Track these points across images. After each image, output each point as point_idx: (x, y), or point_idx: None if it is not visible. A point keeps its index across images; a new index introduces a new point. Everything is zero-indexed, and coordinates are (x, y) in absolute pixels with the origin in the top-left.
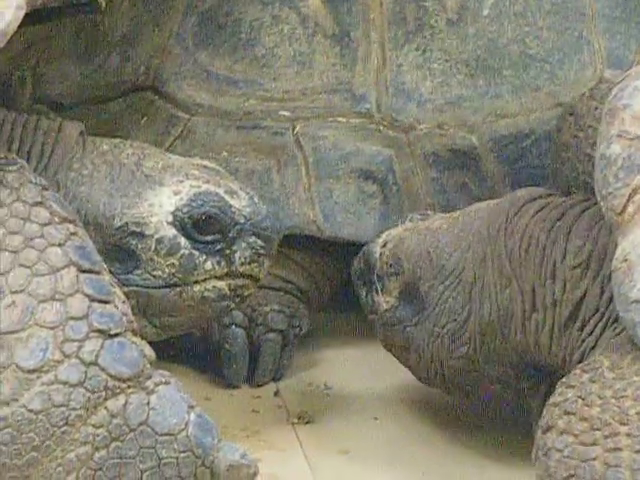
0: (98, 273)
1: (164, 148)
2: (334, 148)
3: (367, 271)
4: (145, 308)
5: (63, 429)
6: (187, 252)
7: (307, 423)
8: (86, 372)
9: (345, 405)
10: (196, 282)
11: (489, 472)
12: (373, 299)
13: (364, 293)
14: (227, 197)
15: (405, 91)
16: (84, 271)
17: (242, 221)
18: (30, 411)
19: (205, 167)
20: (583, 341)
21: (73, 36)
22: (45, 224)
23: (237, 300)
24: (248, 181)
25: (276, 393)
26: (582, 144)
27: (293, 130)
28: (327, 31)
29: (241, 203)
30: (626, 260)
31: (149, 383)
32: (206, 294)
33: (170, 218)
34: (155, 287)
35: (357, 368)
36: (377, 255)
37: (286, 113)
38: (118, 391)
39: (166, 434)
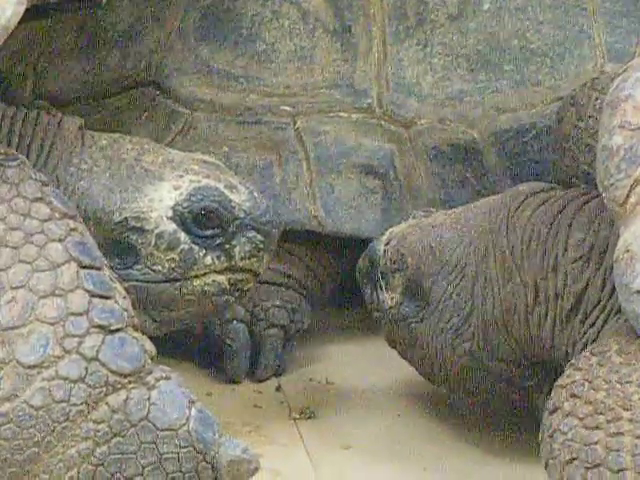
0: (98, 269)
1: (165, 143)
2: (335, 143)
3: (371, 269)
4: (145, 303)
5: (64, 425)
6: (187, 247)
7: (309, 418)
8: (87, 368)
9: (347, 400)
10: (196, 277)
11: (491, 467)
12: (378, 296)
13: (369, 291)
14: (227, 192)
15: (406, 86)
16: (84, 267)
17: (242, 216)
18: (31, 407)
19: (205, 162)
20: (585, 333)
21: (74, 32)
22: (45, 220)
23: (237, 294)
24: (249, 176)
25: (278, 388)
26: (582, 134)
27: (294, 125)
28: (328, 26)
29: (241, 198)
30: (628, 251)
31: (150, 378)
32: (206, 288)
33: (170, 213)
34: (155, 282)
35: (359, 363)
36: (381, 252)
37: (287, 108)
38: (119, 386)
39: (167, 429)
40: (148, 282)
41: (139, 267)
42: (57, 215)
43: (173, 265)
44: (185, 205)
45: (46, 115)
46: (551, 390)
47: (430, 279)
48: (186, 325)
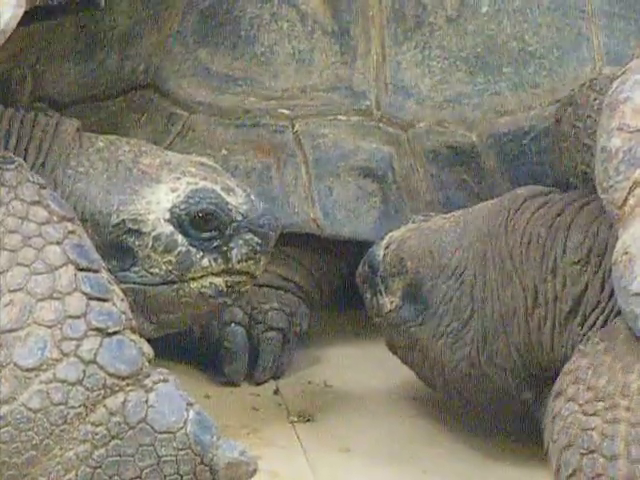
0: (96, 271)
1: (164, 146)
2: (334, 146)
3: (371, 273)
4: (142, 305)
5: (62, 427)
6: (184, 249)
7: (307, 421)
8: (85, 370)
9: (345, 403)
10: (193, 279)
11: (491, 470)
12: (377, 301)
13: (368, 295)
14: (224, 194)
15: (404, 88)
16: (82, 269)
17: (239, 218)
18: (29, 410)
19: (202, 164)
20: (584, 336)
21: (73, 34)
22: (43, 223)
23: (234, 296)
24: (247, 179)
25: (276, 391)
26: (581, 134)
27: (293, 128)
28: (326, 28)
29: (238, 200)
30: (627, 253)
31: (148, 381)
32: (203, 290)
33: (167, 215)
34: (152, 284)
35: (357, 366)
36: (380, 257)
37: (285, 111)
38: (117, 389)
39: (165, 432)
40: (145, 284)
41: (136, 269)
42: (55, 218)
43: (170, 267)
44: (182, 207)
45: (43, 117)
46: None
47: (429, 283)
48: (183, 327)
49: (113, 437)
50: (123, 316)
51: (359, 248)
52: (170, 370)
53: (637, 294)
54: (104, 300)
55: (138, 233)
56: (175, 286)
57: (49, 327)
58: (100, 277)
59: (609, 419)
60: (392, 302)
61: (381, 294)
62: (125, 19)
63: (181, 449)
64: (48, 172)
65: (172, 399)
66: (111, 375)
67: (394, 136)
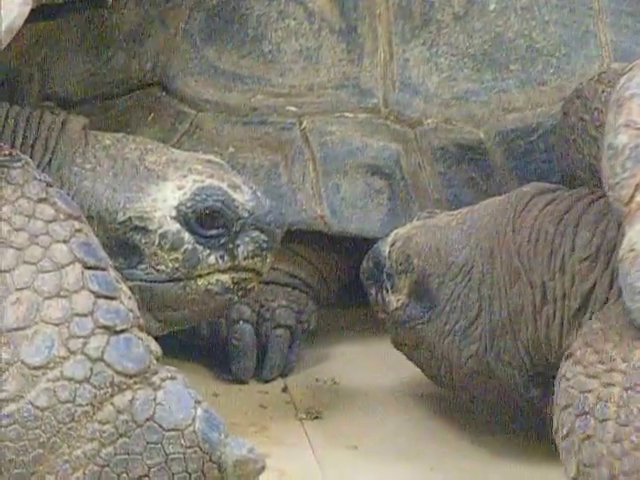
0: (103, 269)
1: (171, 144)
2: (341, 143)
3: (376, 270)
4: (149, 302)
5: (69, 425)
6: (190, 247)
7: (315, 418)
8: (92, 368)
9: (353, 400)
10: (199, 276)
11: (497, 467)
12: (383, 298)
13: (374, 292)
14: (230, 191)
15: (412, 86)
16: (89, 267)
17: (245, 215)
18: (36, 408)
19: (208, 161)
20: None
21: (80, 33)
22: (50, 221)
23: (240, 293)
24: (255, 177)
25: (284, 389)
26: (588, 126)
27: (300, 125)
28: (333, 26)
29: (244, 197)
30: (633, 250)
31: (155, 379)
32: (209, 287)
33: (174, 213)
34: (159, 281)
35: (365, 363)
36: (386, 254)
37: (293, 108)
38: (124, 387)
39: (173, 430)
40: (152, 282)
41: (143, 267)
42: (62, 216)
43: (177, 265)
44: (189, 205)
45: (50, 115)
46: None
47: (437, 281)
48: (190, 324)
49: (121, 435)
50: (130, 314)
51: (367, 245)
52: (178, 368)
53: None
54: (111, 298)
55: (144, 231)
56: (182, 283)
57: (56, 325)
58: (107, 275)
59: (605, 382)
60: (398, 300)
61: (387, 291)
62: (132, 17)
63: (189, 447)
64: (54, 170)
65: (180, 397)
66: (119, 373)
67: (402, 133)
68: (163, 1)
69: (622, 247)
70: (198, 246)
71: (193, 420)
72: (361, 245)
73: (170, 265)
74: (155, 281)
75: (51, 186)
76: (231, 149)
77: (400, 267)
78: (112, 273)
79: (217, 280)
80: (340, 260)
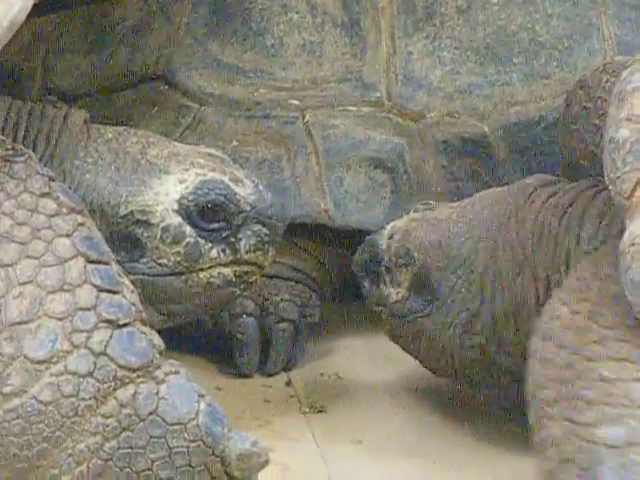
0: (106, 263)
1: (174, 138)
2: (344, 137)
3: (372, 263)
4: (151, 296)
5: (73, 420)
6: (192, 240)
7: (319, 412)
8: (95, 362)
9: (357, 394)
10: (201, 270)
11: (500, 461)
12: (381, 291)
13: (368, 284)
14: (232, 185)
15: (415, 79)
16: (92, 261)
17: (247, 209)
18: (40, 402)
19: (210, 155)
20: None
21: (83, 27)
22: (52, 215)
23: (242, 286)
24: (258, 170)
25: (288, 383)
26: (591, 114)
27: (303, 119)
28: (336, 20)
29: (246, 191)
30: (634, 244)
31: (159, 373)
32: (211, 281)
33: (175, 206)
34: (161, 275)
35: (369, 357)
36: (384, 247)
37: (296, 102)
38: (127, 381)
39: (176, 423)
40: (154, 275)
41: (145, 260)
42: (64, 210)
43: (179, 258)
44: (191, 198)
45: (52, 109)
46: None
47: (438, 274)
48: (192, 318)
49: (124, 429)
50: (133, 308)
51: None
52: (181, 362)
53: None
54: (114, 292)
55: (146, 224)
56: (184, 277)
57: (59, 319)
58: (110, 269)
59: (573, 310)
60: (398, 293)
61: (385, 285)
62: (135, 11)
63: (192, 441)
64: (57, 164)
65: (183, 391)
66: (122, 367)
67: (405, 127)
68: None
69: (623, 241)
70: (200, 239)
71: (196, 414)
72: (364, 238)
73: (172, 259)
74: (157, 275)
75: (54, 180)
76: (234, 143)
77: (400, 260)
78: (115, 267)
79: (219, 273)
80: (343, 253)
